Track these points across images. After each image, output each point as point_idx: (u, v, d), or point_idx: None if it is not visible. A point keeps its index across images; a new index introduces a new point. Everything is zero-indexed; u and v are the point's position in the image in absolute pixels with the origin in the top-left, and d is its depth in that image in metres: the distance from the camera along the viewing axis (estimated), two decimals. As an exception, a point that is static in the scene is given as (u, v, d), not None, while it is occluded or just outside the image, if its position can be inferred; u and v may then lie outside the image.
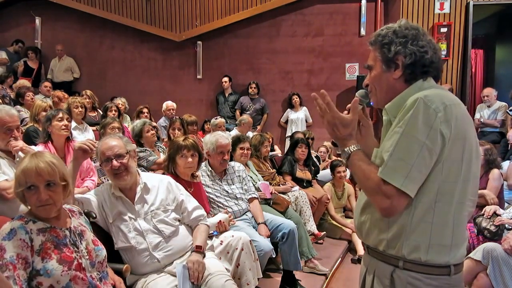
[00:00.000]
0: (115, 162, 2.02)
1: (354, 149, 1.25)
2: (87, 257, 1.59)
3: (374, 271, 1.29)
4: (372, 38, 1.31)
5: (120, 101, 6.03)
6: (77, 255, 1.55)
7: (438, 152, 1.12)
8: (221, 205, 2.96)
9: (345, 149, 1.27)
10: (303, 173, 4.47)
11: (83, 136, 4.22)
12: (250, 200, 3.14)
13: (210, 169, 3.07)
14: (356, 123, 1.30)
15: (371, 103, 1.42)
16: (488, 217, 2.96)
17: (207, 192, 2.96)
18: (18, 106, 5.11)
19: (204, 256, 2.13)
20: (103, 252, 1.68)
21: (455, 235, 1.18)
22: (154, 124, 4.26)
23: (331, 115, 1.26)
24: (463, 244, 1.23)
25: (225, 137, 3.07)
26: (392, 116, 1.27)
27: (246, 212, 3.06)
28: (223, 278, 2.00)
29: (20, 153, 2.36)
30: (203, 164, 3.09)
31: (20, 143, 2.37)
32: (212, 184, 3.02)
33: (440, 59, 1.27)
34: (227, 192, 3.03)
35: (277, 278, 3.19)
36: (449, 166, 1.15)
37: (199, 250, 2.11)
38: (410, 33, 1.24)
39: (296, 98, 6.96)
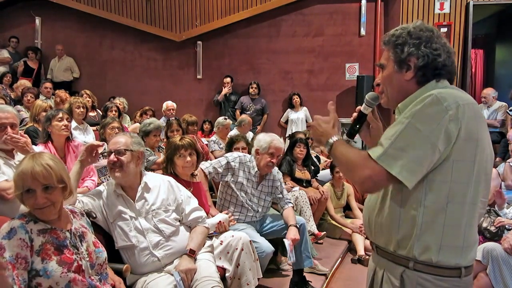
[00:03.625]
0: (111, 156, 2.07)
1: (336, 139, 1.28)
2: (88, 259, 1.59)
3: (383, 271, 1.28)
4: (385, 37, 1.30)
5: (119, 101, 6.04)
6: (77, 257, 1.55)
7: (442, 149, 1.11)
8: (237, 205, 2.94)
9: (329, 141, 1.29)
10: (302, 173, 4.46)
11: (84, 136, 4.22)
12: (286, 209, 3.06)
13: (256, 169, 2.97)
14: (335, 120, 1.33)
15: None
16: (495, 212, 2.95)
17: (235, 188, 2.91)
18: (19, 106, 5.12)
19: (195, 259, 2.13)
20: (104, 254, 1.68)
21: (467, 237, 1.17)
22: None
23: (315, 121, 1.36)
24: (474, 246, 1.22)
25: (280, 142, 2.99)
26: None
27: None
28: (210, 284, 1.99)
29: (19, 155, 2.34)
30: (249, 158, 3.02)
31: (23, 139, 2.29)
32: (246, 183, 2.94)
33: (453, 63, 1.26)
34: (248, 200, 2.96)
35: (277, 278, 3.19)
36: (461, 166, 1.14)
37: (191, 255, 2.11)
38: (424, 35, 1.23)
39: (297, 98, 6.96)
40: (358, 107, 1.41)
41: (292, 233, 2.82)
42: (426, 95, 1.14)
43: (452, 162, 1.13)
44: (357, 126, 1.41)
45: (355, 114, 1.42)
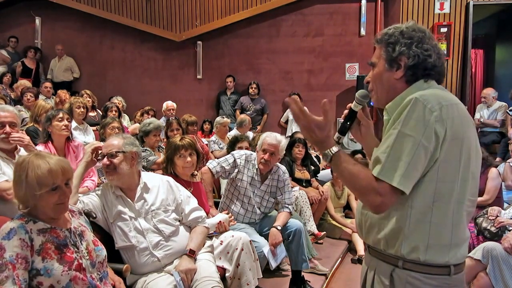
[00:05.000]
0: (104, 160, 2.08)
1: (335, 151, 1.21)
2: (87, 257, 1.60)
3: (374, 270, 1.29)
4: (379, 36, 1.31)
5: (117, 100, 6.04)
6: (77, 255, 1.55)
7: (432, 151, 1.13)
8: (238, 204, 2.94)
9: (326, 152, 1.22)
10: (301, 173, 4.46)
11: (84, 136, 4.22)
12: (281, 212, 3.01)
13: (257, 167, 2.96)
14: (331, 125, 1.23)
15: (371, 103, 1.43)
16: (492, 218, 2.95)
17: (240, 186, 2.91)
18: (19, 106, 5.11)
19: (195, 259, 2.13)
20: (103, 252, 1.68)
21: (454, 235, 1.19)
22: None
23: (306, 120, 1.22)
24: (463, 244, 1.23)
25: (275, 139, 2.91)
26: (392, 115, 1.27)
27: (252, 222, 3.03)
28: (210, 284, 2.00)
29: (21, 151, 2.34)
30: (254, 157, 2.98)
31: (27, 138, 2.31)
32: (250, 181, 2.94)
33: (443, 64, 1.27)
34: (252, 198, 2.94)
35: (277, 278, 3.19)
36: (446, 166, 1.15)
37: (191, 255, 2.11)
38: (416, 35, 1.24)
39: (297, 99, 6.94)
40: (349, 105, 1.42)
41: (271, 237, 2.79)
42: (408, 100, 1.16)
43: (439, 162, 1.15)
44: (348, 124, 1.42)
45: (346, 112, 1.43)
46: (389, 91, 1.29)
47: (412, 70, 1.24)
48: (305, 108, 1.25)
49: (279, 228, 2.86)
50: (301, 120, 1.23)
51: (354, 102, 1.40)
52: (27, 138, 2.32)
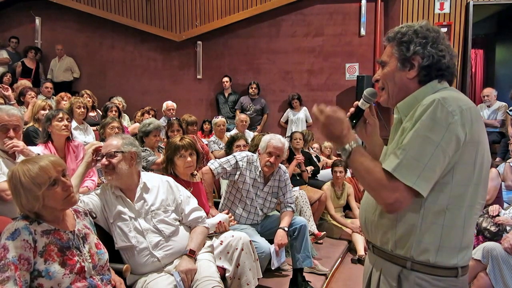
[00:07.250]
0: (103, 160, 2.09)
1: (354, 145, 1.21)
2: (90, 260, 1.60)
3: (380, 271, 1.28)
4: (390, 34, 1.29)
5: (117, 100, 6.04)
6: (79, 258, 1.55)
7: (451, 155, 1.12)
8: (240, 206, 2.94)
9: (346, 147, 1.22)
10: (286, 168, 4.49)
11: (84, 136, 4.22)
12: (284, 212, 3.02)
13: (260, 169, 2.96)
14: (347, 121, 1.26)
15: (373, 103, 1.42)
16: (492, 216, 2.95)
17: (243, 188, 2.92)
18: (19, 107, 5.11)
19: (196, 259, 2.13)
20: (105, 256, 1.68)
21: (465, 238, 1.18)
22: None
23: (324, 115, 1.23)
24: (470, 246, 1.23)
25: (280, 141, 2.92)
26: (403, 115, 1.26)
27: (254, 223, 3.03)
28: (211, 284, 2.00)
29: (21, 156, 2.34)
30: (256, 158, 3.00)
31: (21, 143, 2.32)
32: (253, 183, 2.94)
33: (455, 65, 1.26)
34: (254, 200, 2.95)
35: (277, 278, 3.19)
36: (462, 169, 1.14)
37: (191, 255, 2.11)
38: (431, 35, 1.23)
39: (296, 103, 6.94)
40: (356, 103, 1.41)
41: (278, 237, 2.79)
42: (430, 101, 1.13)
43: (454, 164, 1.13)
44: (354, 121, 1.40)
45: (352, 109, 1.42)
46: (401, 90, 1.27)
47: (426, 70, 1.22)
48: (322, 104, 1.26)
49: (286, 229, 2.86)
50: (320, 117, 1.24)
51: (361, 100, 1.39)
52: (20, 144, 2.31)
